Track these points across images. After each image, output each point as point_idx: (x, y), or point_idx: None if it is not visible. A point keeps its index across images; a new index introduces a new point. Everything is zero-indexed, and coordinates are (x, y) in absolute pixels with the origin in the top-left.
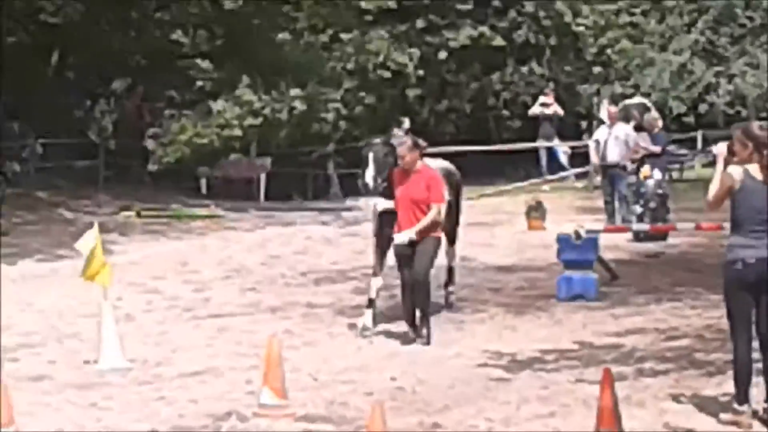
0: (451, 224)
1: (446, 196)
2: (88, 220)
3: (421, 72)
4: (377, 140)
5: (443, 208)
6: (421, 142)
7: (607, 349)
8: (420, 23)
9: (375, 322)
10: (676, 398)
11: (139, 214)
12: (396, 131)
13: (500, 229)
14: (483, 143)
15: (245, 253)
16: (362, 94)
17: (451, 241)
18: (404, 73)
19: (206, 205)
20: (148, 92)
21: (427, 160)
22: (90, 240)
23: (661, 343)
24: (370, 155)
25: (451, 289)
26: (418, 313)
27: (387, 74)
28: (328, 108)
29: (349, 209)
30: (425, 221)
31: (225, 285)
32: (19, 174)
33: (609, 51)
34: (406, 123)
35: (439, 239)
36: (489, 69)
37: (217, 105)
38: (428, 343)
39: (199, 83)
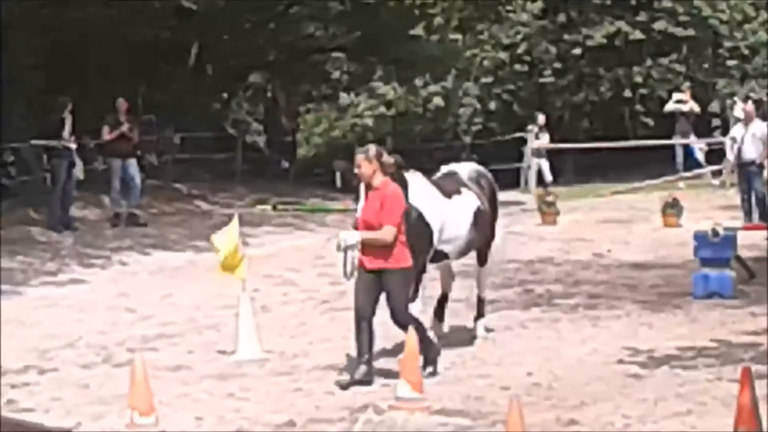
0: (483, 240)
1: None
2: (225, 212)
3: (558, 65)
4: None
5: (388, 231)
6: (389, 157)
7: (745, 347)
8: (560, 18)
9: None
10: None
11: (275, 208)
12: (531, 127)
13: (635, 226)
14: (618, 139)
15: None
16: (498, 89)
17: (483, 260)
18: (541, 68)
19: (341, 199)
20: (285, 86)
21: (458, 164)
22: (229, 233)
23: None
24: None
25: (482, 322)
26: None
27: (524, 68)
28: (464, 103)
29: None
30: (371, 235)
31: None
32: (158, 166)
33: (745, 46)
34: (541, 118)
35: (406, 269)
36: (626, 64)
37: (352, 98)
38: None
39: (335, 77)
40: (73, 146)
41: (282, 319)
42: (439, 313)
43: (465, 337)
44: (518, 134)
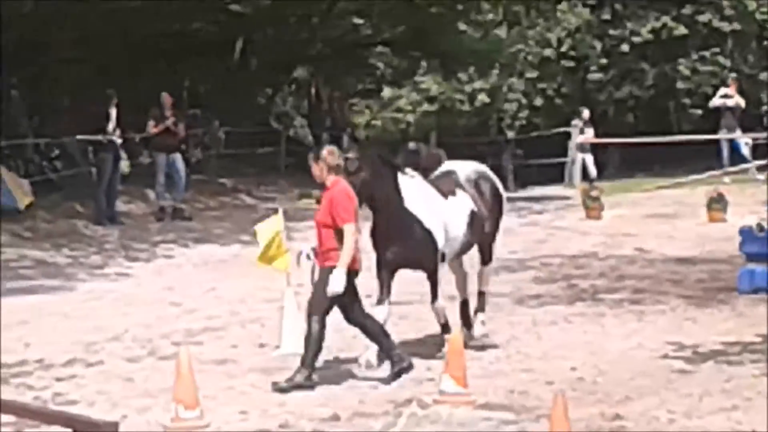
0: (487, 240)
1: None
2: (269, 206)
3: (603, 61)
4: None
5: (348, 230)
6: (335, 158)
7: None
8: (605, 14)
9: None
10: None
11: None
12: (575, 121)
13: (680, 221)
14: (663, 134)
15: None
16: (543, 85)
17: (486, 260)
18: (586, 63)
19: None
20: (329, 80)
21: (458, 162)
22: (271, 225)
23: None
24: None
25: (482, 318)
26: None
27: (569, 63)
28: (509, 98)
29: (527, 199)
30: (346, 256)
31: (405, 272)
32: (202, 160)
33: None
34: (586, 113)
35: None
36: (671, 58)
37: (395, 92)
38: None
39: (379, 71)
40: (119, 140)
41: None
42: (464, 320)
43: (505, 335)
44: (563, 129)
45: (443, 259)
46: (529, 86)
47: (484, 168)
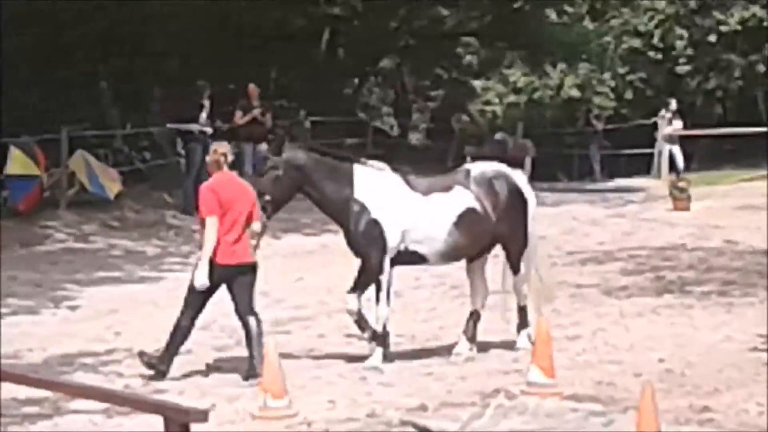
0: (515, 246)
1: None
2: None
3: (690, 51)
4: None
5: (209, 221)
6: (213, 154)
7: None
8: (692, 4)
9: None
10: None
11: None
12: (663, 113)
13: None
14: (751, 125)
15: None
16: (631, 76)
17: (514, 268)
18: (673, 54)
19: None
20: (415, 70)
21: (480, 163)
22: None
23: None
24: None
25: (526, 332)
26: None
27: (657, 55)
28: (597, 90)
29: (614, 190)
30: (205, 244)
31: (492, 263)
32: None
33: None
34: (673, 104)
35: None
36: (759, 48)
37: (479, 83)
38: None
39: (465, 61)
40: (210, 131)
41: (413, 304)
42: (469, 332)
43: (592, 326)
44: (650, 120)
45: (425, 261)
46: (618, 77)
47: (506, 169)
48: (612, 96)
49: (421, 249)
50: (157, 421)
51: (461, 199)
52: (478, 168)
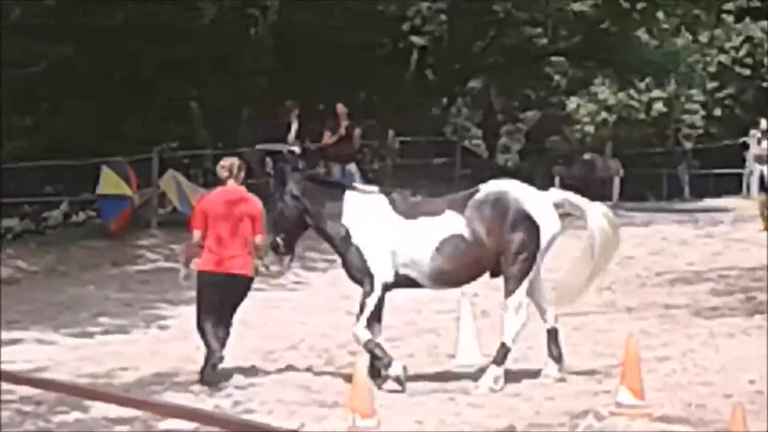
0: (507, 270)
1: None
2: None
3: None
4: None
5: (194, 234)
6: (220, 170)
7: None
8: None
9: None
10: None
11: None
12: (753, 132)
13: None
14: None
15: None
16: (721, 94)
17: (506, 291)
18: (763, 71)
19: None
20: (504, 90)
21: (493, 183)
22: None
23: None
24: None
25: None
26: None
27: (745, 72)
28: (687, 108)
29: (704, 210)
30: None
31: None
32: (378, 170)
33: None
34: (764, 123)
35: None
36: None
37: (572, 103)
38: None
39: (554, 81)
40: (298, 150)
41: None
42: (554, 352)
43: (682, 347)
44: (741, 140)
45: (419, 284)
46: (707, 95)
47: (517, 192)
48: (702, 113)
49: (411, 273)
50: None
51: (448, 224)
52: (485, 189)
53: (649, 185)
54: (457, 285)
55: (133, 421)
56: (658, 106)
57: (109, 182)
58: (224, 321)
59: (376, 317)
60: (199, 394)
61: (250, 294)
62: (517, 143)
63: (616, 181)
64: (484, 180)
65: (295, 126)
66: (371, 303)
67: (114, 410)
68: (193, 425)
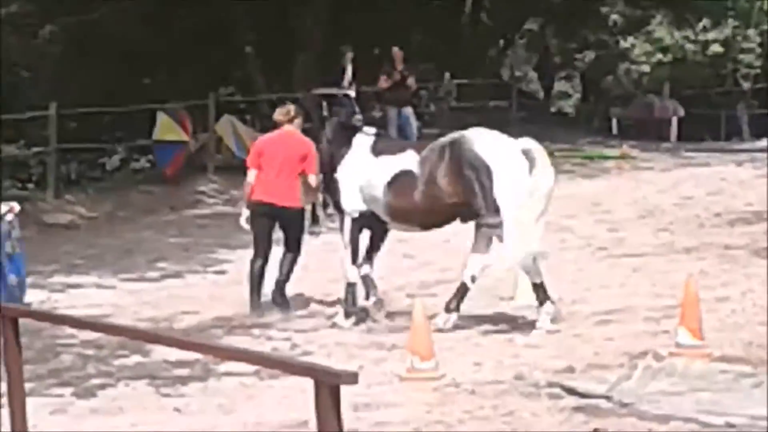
0: (473, 215)
1: None
2: None
3: None
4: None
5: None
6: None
7: None
8: None
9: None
10: None
11: (551, 154)
12: None
13: None
14: None
15: (658, 194)
16: None
17: (475, 241)
18: None
19: (618, 146)
20: (561, 32)
21: (471, 131)
22: None
23: None
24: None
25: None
26: None
27: None
28: (743, 46)
29: (763, 150)
30: None
31: (639, 225)
32: (434, 113)
33: None
34: None
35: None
36: None
37: (627, 43)
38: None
39: (611, 22)
40: (353, 94)
41: (560, 266)
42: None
43: (741, 287)
44: None
45: (381, 221)
46: (765, 36)
47: (472, 136)
48: (758, 51)
49: (374, 209)
50: (306, 384)
51: (403, 161)
52: (452, 134)
53: (707, 126)
54: (421, 226)
55: (193, 364)
56: (715, 47)
57: (165, 128)
58: (285, 250)
59: (366, 256)
60: (259, 337)
61: (307, 237)
62: (573, 86)
63: (674, 122)
64: (539, 123)
65: (349, 70)
66: (345, 239)
67: (174, 353)
68: (254, 368)
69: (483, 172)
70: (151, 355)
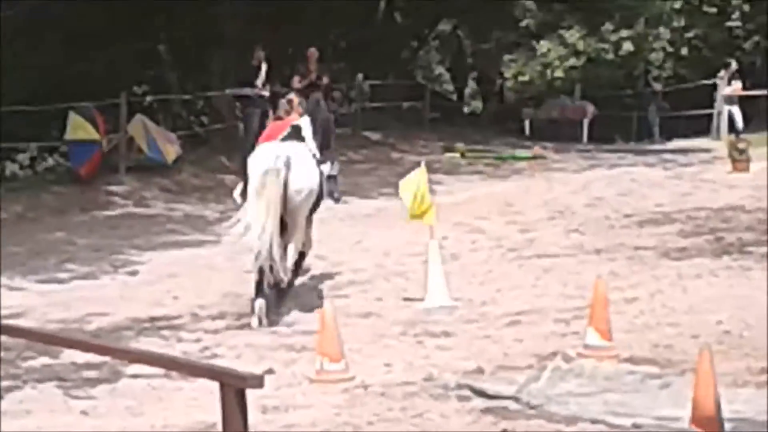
0: None
1: None
2: (414, 160)
3: (746, 8)
4: None
5: None
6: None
7: None
8: None
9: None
10: None
11: (463, 155)
12: (722, 73)
13: None
14: None
15: (570, 195)
16: (689, 33)
17: None
18: (729, 11)
19: (530, 147)
20: (474, 33)
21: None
22: (415, 180)
23: None
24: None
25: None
26: None
27: (712, 10)
28: (655, 48)
29: (673, 151)
30: None
31: (550, 226)
32: (347, 114)
33: None
34: (734, 64)
35: None
36: None
37: (541, 46)
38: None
39: (524, 23)
40: (266, 94)
41: (470, 267)
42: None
43: (650, 288)
44: (709, 81)
45: None
46: (675, 35)
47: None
48: (669, 49)
49: None
50: (215, 386)
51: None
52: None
53: (619, 127)
54: None
55: (101, 366)
56: (627, 46)
57: (77, 128)
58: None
59: None
60: (170, 338)
61: (219, 238)
62: (485, 87)
63: (586, 123)
64: (453, 124)
65: (263, 70)
66: None
67: (82, 356)
68: (160, 371)
69: None
70: (59, 357)
